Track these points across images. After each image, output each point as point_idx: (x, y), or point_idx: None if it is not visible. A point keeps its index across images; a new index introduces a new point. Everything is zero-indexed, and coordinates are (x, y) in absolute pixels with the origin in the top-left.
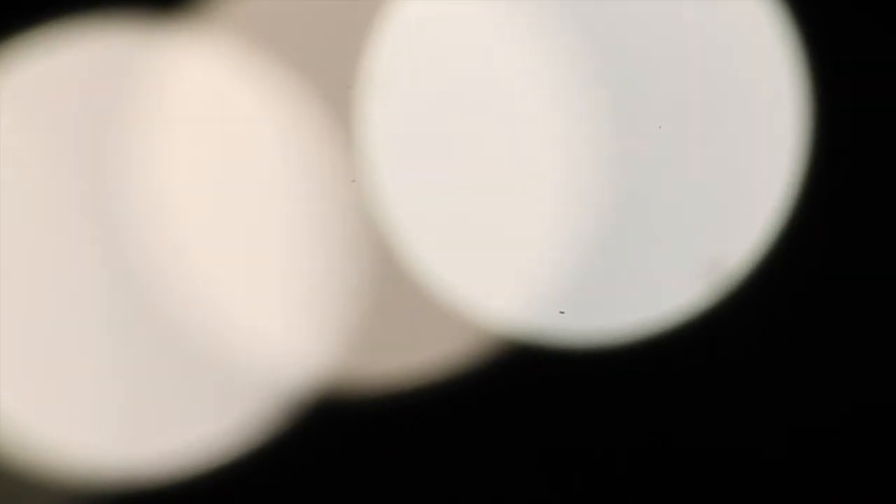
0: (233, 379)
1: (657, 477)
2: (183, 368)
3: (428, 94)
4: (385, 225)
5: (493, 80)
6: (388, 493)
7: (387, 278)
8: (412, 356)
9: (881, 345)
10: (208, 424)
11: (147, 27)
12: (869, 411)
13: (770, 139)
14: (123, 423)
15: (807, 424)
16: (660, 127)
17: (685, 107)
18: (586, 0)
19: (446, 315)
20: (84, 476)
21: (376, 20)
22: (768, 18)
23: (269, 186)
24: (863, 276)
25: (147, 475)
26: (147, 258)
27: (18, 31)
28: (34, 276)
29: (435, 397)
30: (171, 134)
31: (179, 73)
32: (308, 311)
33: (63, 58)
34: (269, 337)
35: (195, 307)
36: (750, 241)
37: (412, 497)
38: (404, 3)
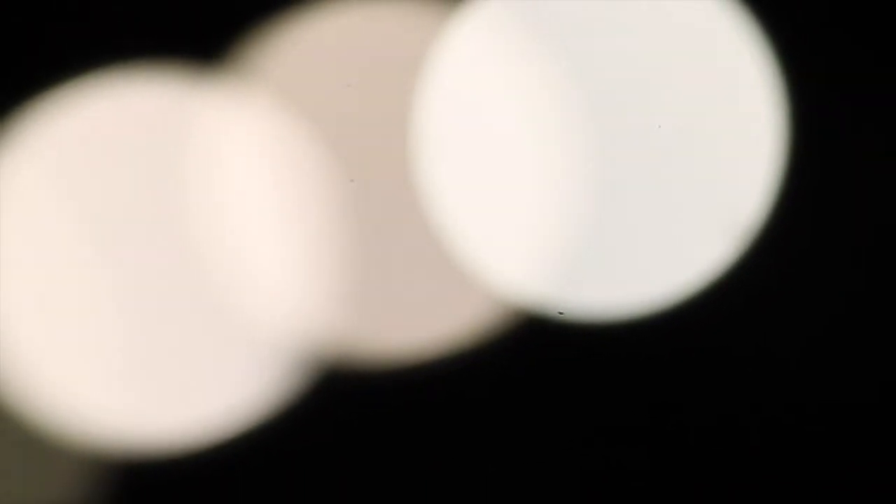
0: (246, 348)
1: (673, 449)
2: (194, 339)
3: (459, 94)
4: (407, 198)
5: (510, 87)
6: (398, 462)
7: (405, 249)
8: (427, 326)
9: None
10: (220, 394)
11: (185, 79)
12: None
13: (747, 138)
14: (133, 395)
15: (828, 401)
16: (658, 126)
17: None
18: (581, 10)
19: (462, 285)
20: (91, 444)
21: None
22: (739, 26)
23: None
24: (844, 265)
25: (155, 445)
26: (163, 229)
27: (58, 83)
28: (59, 251)
29: (448, 367)
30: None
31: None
32: (321, 281)
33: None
34: (280, 305)
35: (207, 277)
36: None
37: (423, 466)
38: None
